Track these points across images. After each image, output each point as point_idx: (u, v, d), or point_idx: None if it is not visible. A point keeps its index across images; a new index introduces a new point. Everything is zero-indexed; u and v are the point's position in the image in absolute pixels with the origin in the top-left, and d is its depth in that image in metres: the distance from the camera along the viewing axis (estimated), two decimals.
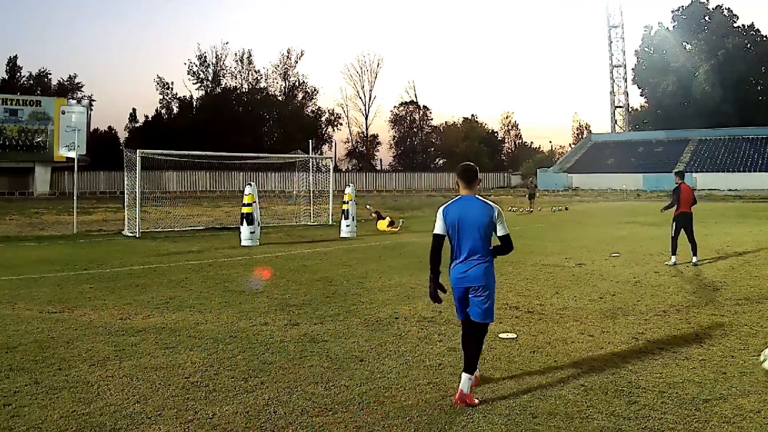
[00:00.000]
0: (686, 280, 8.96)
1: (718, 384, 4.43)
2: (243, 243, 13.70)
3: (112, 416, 3.86)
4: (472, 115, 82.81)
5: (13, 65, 63.71)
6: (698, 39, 62.88)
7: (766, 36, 63.33)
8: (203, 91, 70.59)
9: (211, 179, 53.72)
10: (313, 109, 74.94)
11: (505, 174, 69.01)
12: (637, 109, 74.15)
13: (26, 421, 3.78)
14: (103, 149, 53.49)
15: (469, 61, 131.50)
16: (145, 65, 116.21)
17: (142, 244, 13.91)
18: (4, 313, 6.71)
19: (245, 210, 13.99)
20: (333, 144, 74.89)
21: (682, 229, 10.40)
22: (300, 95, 74.71)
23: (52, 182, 47.05)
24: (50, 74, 65.47)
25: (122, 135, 68.58)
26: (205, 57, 70.71)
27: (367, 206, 21.79)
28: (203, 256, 11.87)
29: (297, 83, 74.25)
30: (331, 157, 28.81)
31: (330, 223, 19.30)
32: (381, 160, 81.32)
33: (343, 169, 71.40)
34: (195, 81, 70.38)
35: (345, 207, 15.95)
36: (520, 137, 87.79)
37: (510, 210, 26.17)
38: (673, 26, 66.80)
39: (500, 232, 4.22)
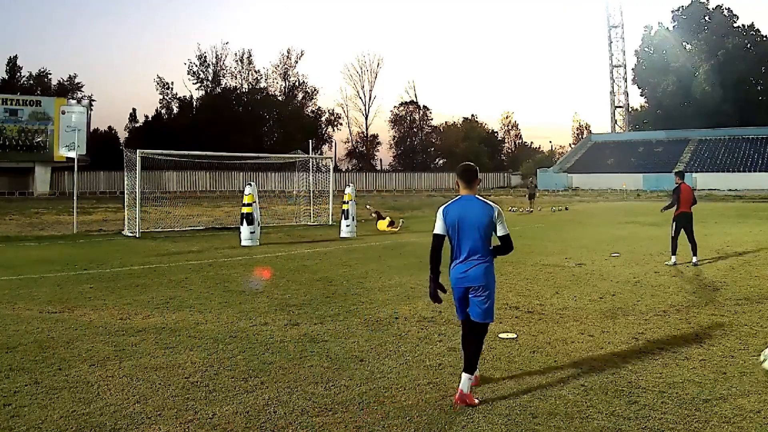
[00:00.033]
0: (686, 280, 8.96)
1: (718, 384, 4.43)
2: (243, 243, 13.70)
3: (112, 416, 3.86)
4: (472, 115, 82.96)
5: (13, 65, 63.75)
6: (698, 39, 62.88)
7: (766, 36, 63.36)
8: (203, 91, 70.68)
9: (211, 179, 53.72)
10: (313, 109, 75.06)
11: (505, 174, 69.01)
12: (637, 109, 74.17)
13: (26, 421, 3.78)
14: (103, 149, 53.49)
15: (469, 61, 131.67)
16: (145, 65, 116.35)
17: (142, 244, 13.91)
18: (4, 313, 6.71)
19: (245, 210, 13.99)
20: (333, 144, 75.03)
21: (682, 229, 10.40)
22: (300, 95, 74.75)
23: (52, 182, 47.05)
24: (50, 74, 65.60)
25: (122, 135, 68.72)
26: (205, 57, 70.83)
27: (367, 206, 21.80)
28: (203, 256, 11.87)
29: (297, 83, 74.33)
30: (331, 157, 28.81)
31: (330, 223, 19.30)
32: (381, 160, 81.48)
33: (343, 169, 71.43)
34: (195, 81, 70.49)
35: (345, 207, 15.95)
36: (520, 137, 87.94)
37: (510, 210, 26.17)
38: (673, 26, 66.82)
39: (500, 232, 4.22)
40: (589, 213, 25.76)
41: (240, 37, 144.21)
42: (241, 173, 51.07)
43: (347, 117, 79.64)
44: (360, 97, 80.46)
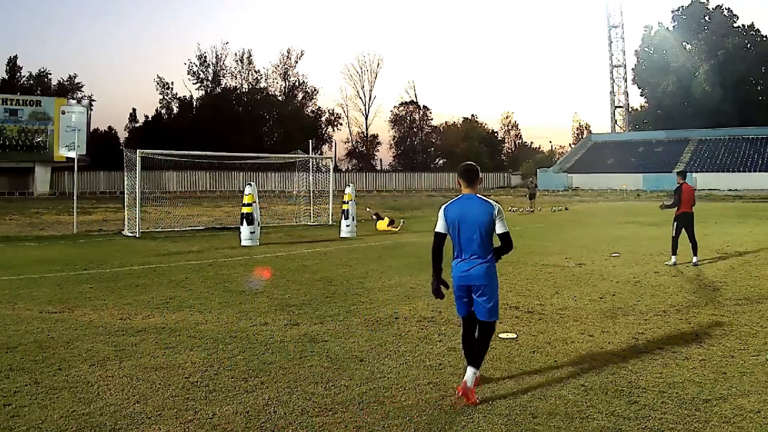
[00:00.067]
0: (686, 280, 8.96)
1: (718, 384, 4.43)
2: (243, 243, 13.70)
3: (112, 416, 3.86)
4: (472, 115, 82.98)
5: (13, 65, 63.74)
6: (698, 39, 62.89)
7: (766, 36, 63.36)
8: (203, 91, 70.69)
9: (211, 179, 53.71)
10: (313, 109, 75.07)
11: (505, 174, 69.02)
12: (637, 109, 74.18)
13: (26, 421, 3.78)
14: (103, 149, 53.49)
15: (469, 61, 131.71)
16: (145, 65, 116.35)
17: (142, 244, 13.91)
18: (4, 313, 6.71)
19: (245, 210, 13.99)
20: (333, 144, 75.04)
21: (683, 229, 10.40)
22: (300, 95, 74.76)
23: (52, 182, 47.04)
24: (50, 74, 65.60)
25: (122, 135, 68.72)
26: (205, 57, 70.84)
27: (367, 209, 21.81)
28: (203, 256, 11.87)
29: (297, 83, 74.34)
30: (331, 157, 28.81)
31: (330, 223, 19.30)
32: (381, 160, 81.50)
33: (343, 169, 71.44)
34: (195, 81, 70.50)
35: (345, 207, 15.95)
36: (520, 137, 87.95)
37: (510, 210, 26.18)
38: (673, 26, 66.83)
39: (499, 229, 4.24)
40: (589, 213, 25.76)
41: (240, 37, 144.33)
42: (241, 173, 51.07)
43: (347, 117, 79.79)
44: (360, 97, 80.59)
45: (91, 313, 6.74)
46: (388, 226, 17.33)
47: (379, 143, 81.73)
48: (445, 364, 4.91)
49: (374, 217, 18.83)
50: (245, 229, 13.85)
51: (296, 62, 74.50)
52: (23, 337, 5.71)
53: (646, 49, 68.18)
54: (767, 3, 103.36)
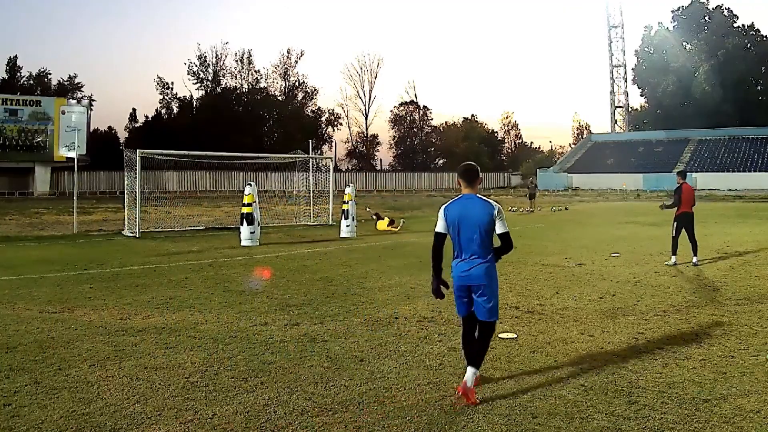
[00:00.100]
0: (686, 280, 8.96)
1: (718, 384, 4.43)
2: (243, 243, 13.70)
3: (112, 416, 3.86)
4: (472, 115, 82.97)
5: (13, 65, 63.74)
6: (698, 39, 62.89)
7: (766, 36, 63.35)
8: (203, 91, 70.68)
9: (211, 179, 53.71)
10: (313, 109, 75.06)
11: (505, 174, 69.01)
12: (637, 109, 74.17)
13: (26, 421, 3.78)
14: (103, 149, 53.48)
15: (469, 61, 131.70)
16: (145, 65, 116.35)
17: (142, 244, 13.91)
18: (4, 313, 6.71)
19: (245, 210, 13.99)
20: (333, 144, 75.03)
21: (683, 229, 10.40)
22: (300, 95, 74.76)
23: (52, 182, 47.03)
24: (50, 74, 65.59)
25: (122, 135, 68.71)
26: (205, 57, 70.83)
27: (367, 209, 21.81)
28: (203, 256, 11.87)
29: (297, 83, 74.33)
30: (331, 157, 28.81)
31: (330, 223, 19.30)
32: (381, 160, 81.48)
33: (343, 169, 71.43)
34: (195, 81, 70.48)
35: (345, 207, 15.95)
36: (520, 137, 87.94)
37: (510, 210, 26.18)
38: (673, 26, 66.82)
39: (499, 229, 4.25)
40: (589, 213, 25.76)
41: (240, 37, 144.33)
42: (241, 173, 51.07)
43: (347, 117, 79.78)
44: (360, 97, 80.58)
45: (91, 313, 6.74)
46: (388, 225, 17.33)
47: (379, 143, 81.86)
48: (445, 364, 4.91)
49: (374, 217, 18.84)
50: (245, 229, 13.85)
51: (296, 62, 74.61)
52: (23, 337, 5.71)
53: (646, 49, 68.18)
54: (767, 3, 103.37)
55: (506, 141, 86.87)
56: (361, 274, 9.46)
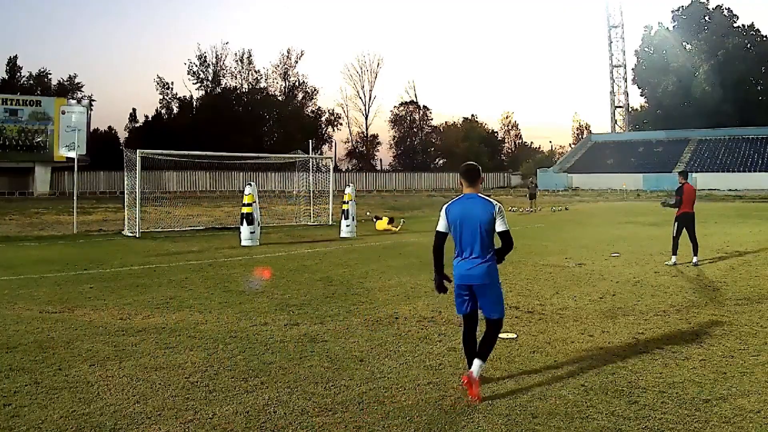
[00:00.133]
0: (686, 280, 8.96)
1: (718, 384, 4.43)
2: (243, 243, 13.70)
3: (112, 416, 3.86)
4: (472, 115, 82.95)
5: (13, 65, 63.70)
6: (698, 39, 62.88)
7: (766, 36, 63.35)
8: (203, 91, 70.63)
9: (211, 179, 53.68)
10: (313, 109, 75.01)
11: (505, 174, 69.02)
12: (637, 109, 74.17)
13: (26, 421, 3.78)
14: (103, 149, 53.45)
15: (469, 61, 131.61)
16: (145, 65, 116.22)
17: (142, 244, 13.92)
18: (4, 313, 6.71)
19: (245, 210, 13.99)
20: (333, 144, 75.00)
21: (684, 229, 10.39)
22: (300, 95, 74.71)
23: (52, 182, 47.01)
24: (50, 74, 65.49)
25: (122, 135, 68.64)
26: (205, 57, 70.77)
27: (368, 213, 21.82)
28: (203, 256, 11.87)
29: (297, 83, 74.28)
30: (331, 157, 28.83)
31: (330, 223, 19.30)
32: (381, 160, 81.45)
33: (343, 169, 71.41)
34: (195, 81, 70.43)
35: (345, 207, 15.96)
36: (520, 137, 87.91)
37: (510, 210, 26.18)
38: (673, 26, 66.80)
39: (500, 227, 4.27)
40: (589, 213, 25.76)
41: (240, 37, 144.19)
42: (241, 173, 51.03)
43: (347, 117, 79.73)
44: (360, 97, 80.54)
45: (91, 313, 6.74)
46: (388, 224, 17.35)
47: (379, 143, 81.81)
48: (445, 364, 4.91)
49: (374, 219, 18.84)
50: (245, 229, 13.85)
51: (296, 62, 74.53)
52: (23, 337, 5.71)
53: (646, 49, 68.17)
54: (767, 3, 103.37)
55: (506, 141, 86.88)
56: (361, 274, 9.46)
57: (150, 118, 69.46)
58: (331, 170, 22.17)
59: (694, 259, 10.19)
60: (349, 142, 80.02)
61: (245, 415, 3.88)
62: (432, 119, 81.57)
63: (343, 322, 6.36)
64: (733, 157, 52.53)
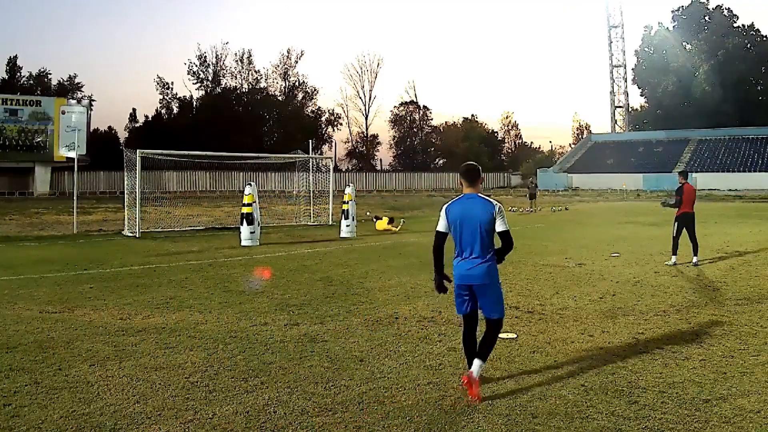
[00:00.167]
0: (686, 280, 8.96)
1: (718, 384, 4.43)
2: (243, 243, 13.70)
3: (112, 416, 3.86)
4: (472, 115, 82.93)
5: (13, 65, 63.68)
6: (698, 39, 62.88)
7: (766, 36, 63.33)
8: (203, 91, 70.61)
9: (211, 179, 53.67)
10: (313, 109, 74.99)
11: (505, 174, 69.01)
12: (637, 109, 74.16)
13: (26, 421, 3.78)
14: (103, 149, 53.43)
15: (469, 61, 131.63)
16: (145, 65, 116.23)
17: (142, 244, 13.92)
18: (4, 313, 6.71)
19: (245, 210, 13.99)
20: (333, 144, 74.99)
21: (684, 229, 10.39)
22: (300, 95, 74.70)
23: (52, 182, 47.00)
24: (50, 74, 65.47)
25: (122, 135, 68.62)
26: (205, 57, 70.75)
27: (367, 213, 21.82)
28: (203, 256, 11.87)
29: (297, 83, 74.26)
30: (331, 157, 28.84)
31: (330, 223, 19.30)
32: (381, 160, 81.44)
33: (343, 169, 71.41)
34: (195, 81, 70.41)
35: (345, 207, 15.96)
36: (520, 137, 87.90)
37: (510, 210, 26.17)
38: (673, 26, 66.79)
39: (499, 227, 4.28)
40: (589, 213, 25.76)
41: (240, 37, 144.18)
42: (241, 173, 51.02)
43: (347, 117, 79.72)
44: (360, 97, 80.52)
45: (91, 313, 6.74)
46: (388, 224, 17.35)
47: (379, 143, 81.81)
48: (445, 364, 4.91)
49: (374, 219, 18.85)
50: (245, 229, 13.86)
51: (296, 62, 74.51)
52: (23, 337, 5.71)
53: (646, 49, 68.16)
54: (767, 3, 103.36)
55: (506, 141, 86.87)
56: (361, 274, 9.46)
57: (150, 118, 69.46)
58: (331, 170, 22.17)
59: (694, 259, 10.19)
60: (349, 142, 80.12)
61: (245, 415, 3.88)
62: (432, 119, 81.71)
63: (343, 322, 6.36)
64: (733, 157, 52.52)
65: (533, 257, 11.08)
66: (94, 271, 9.80)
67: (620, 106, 72.32)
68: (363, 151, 79.57)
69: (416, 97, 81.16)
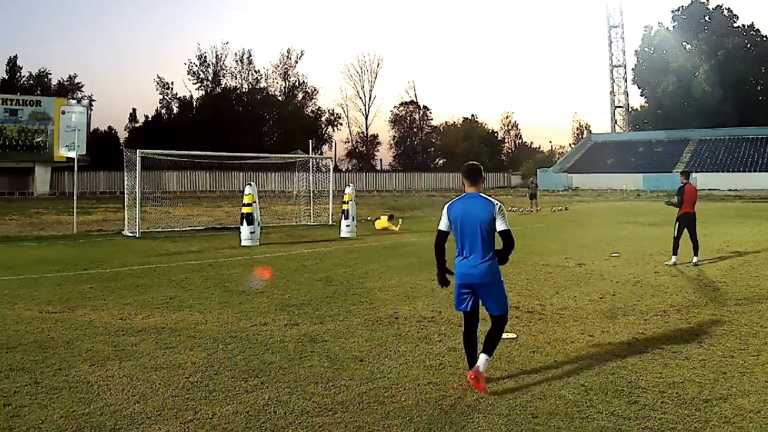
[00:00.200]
0: (686, 280, 8.96)
1: (718, 384, 4.43)
2: (243, 243, 13.70)
3: (112, 416, 3.86)
4: (472, 115, 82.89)
5: (13, 65, 63.66)
6: (698, 39, 62.87)
7: (766, 36, 63.32)
8: (203, 91, 70.59)
9: (211, 179, 53.69)
10: (313, 109, 74.97)
11: (505, 174, 69.02)
12: (637, 109, 74.15)
13: (26, 421, 3.78)
14: (103, 149, 53.42)
15: (469, 61, 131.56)
16: (145, 65, 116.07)
17: (142, 244, 13.92)
18: (4, 313, 6.71)
19: (245, 210, 14.00)
20: (333, 144, 74.97)
21: (685, 229, 10.39)
22: (300, 95, 74.69)
23: (52, 182, 47.00)
24: (50, 74, 65.42)
25: (122, 135, 68.60)
26: (205, 57, 70.74)
27: (400, 221, 21.73)
28: (203, 256, 11.87)
29: (297, 83, 74.24)
30: (331, 157, 28.86)
31: (330, 223, 19.30)
32: (381, 160, 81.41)
33: (343, 169, 71.39)
34: (195, 81, 70.39)
35: (345, 207, 15.96)
36: (520, 137, 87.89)
37: (511, 210, 26.17)
38: (673, 26, 66.79)
39: (500, 227, 4.29)
40: (589, 213, 25.76)
41: (240, 37, 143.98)
42: (241, 173, 51.04)
43: (347, 117, 79.70)
44: (360, 97, 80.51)
45: (91, 313, 6.74)
46: (388, 221, 17.35)
47: (379, 143, 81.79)
48: (445, 364, 4.91)
49: (373, 222, 18.82)
50: (245, 229, 13.86)
51: (296, 62, 74.49)
52: (23, 337, 5.72)
53: (646, 49, 68.16)
54: (767, 3, 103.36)
55: (506, 141, 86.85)
56: (361, 274, 9.46)
57: (150, 118, 69.44)
58: (331, 170, 22.18)
59: (694, 259, 10.19)
60: (349, 142, 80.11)
61: (245, 415, 3.88)
62: (432, 119, 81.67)
63: (343, 322, 6.36)
64: (733, 157, 52.50)
65: (533, 257, 11.08)
66: (94, 271, 9.80)
67: (620, 106, 72.33)
68: (363, 151, 79.56)
69: (416, 97, 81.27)
